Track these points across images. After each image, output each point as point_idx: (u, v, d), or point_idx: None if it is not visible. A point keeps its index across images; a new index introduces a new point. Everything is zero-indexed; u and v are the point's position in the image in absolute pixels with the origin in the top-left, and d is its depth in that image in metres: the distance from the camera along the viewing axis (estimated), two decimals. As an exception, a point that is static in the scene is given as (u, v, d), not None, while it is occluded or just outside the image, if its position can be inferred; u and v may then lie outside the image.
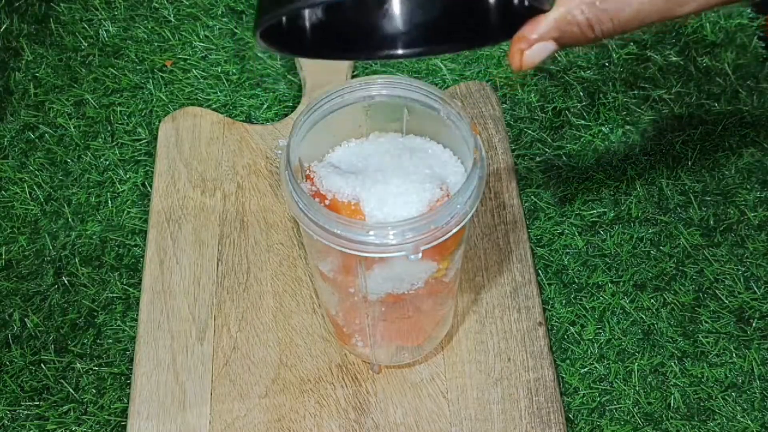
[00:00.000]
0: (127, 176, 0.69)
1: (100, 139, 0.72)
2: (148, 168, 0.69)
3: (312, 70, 0.72)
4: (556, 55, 0.75)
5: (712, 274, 0.63)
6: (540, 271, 0.63)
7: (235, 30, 0.78)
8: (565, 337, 0.60)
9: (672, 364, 0.59)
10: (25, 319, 0.62)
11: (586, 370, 0.59)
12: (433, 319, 0.55)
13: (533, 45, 0.41)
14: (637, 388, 0.58)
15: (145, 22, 0.79)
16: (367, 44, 0.43)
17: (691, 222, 0.65)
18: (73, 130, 0.72)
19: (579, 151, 0.70)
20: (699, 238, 0.64)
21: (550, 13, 0.40)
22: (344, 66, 0.72)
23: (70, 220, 0.67)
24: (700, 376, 0.58)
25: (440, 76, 0.74)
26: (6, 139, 0.72)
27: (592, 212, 0.66)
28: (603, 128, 0.71)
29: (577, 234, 0.65)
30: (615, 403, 0.58)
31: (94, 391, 0.59)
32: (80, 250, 0.65)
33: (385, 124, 0.51)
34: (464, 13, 0.43)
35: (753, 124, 0.70)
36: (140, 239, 0.65)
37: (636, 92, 0.73)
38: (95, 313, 0.62)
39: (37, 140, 0.72)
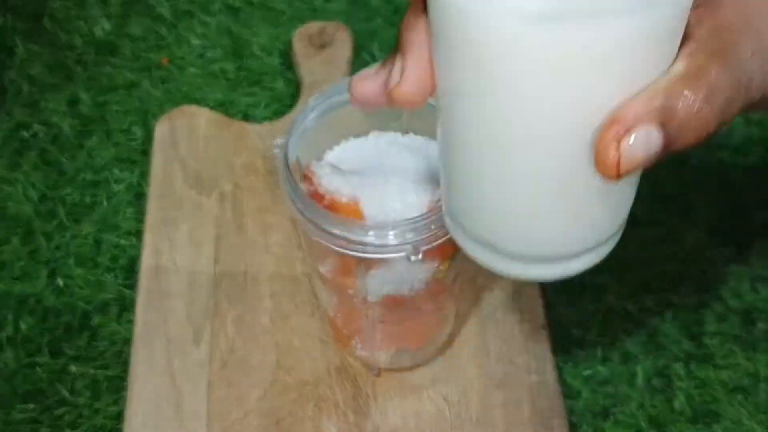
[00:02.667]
0: (123, 176, 0.69)
1: (95, 138, 0.71)
2: (143, 167, 0.69)
3: (310, 68, 0.71)
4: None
5: (716, 275, 0.62)
6: (542, 272, 0.62)
7: (232, 27, 0.77)
8: (568, 339, 0.60)
9: (677, 366, 0.58)
10: (19, 321, 0.61)
11: (589, 372, 0.58)
12: (433, 321, 0.54)
13: (632, 131, 0.27)
14: (641, 391, 0.57)
15: (141, 19, 0.78)
16: None
17: (695, 222, 0.65)
18: (67, 128, 0.71)
19: (581, 149, 0.69)
20: (704, 239, 0.64)
21: (660, 78, 0.27)
22: (343, 64, 0.72)
23: (64, 220, 0.66)
24: (705, 378, 0.58)
25: (440, 73, 0.73)
26: (-1, 138, 0.71)
27: (594, 212, 0.65)
28: (605, 127, 0.70)
29: (579, 234, 0.64)
30: (619, 406, 0.57)
31: (89, 394, 0.58)
32: (75, 250, 0.65)
33: (384, 123, 0.50)
34: None
35: (758, 123, 0.70)
36: (136, 240, 0.65)
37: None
38: (90, 315, 0.61)
39: (30, 139, 0.71)
